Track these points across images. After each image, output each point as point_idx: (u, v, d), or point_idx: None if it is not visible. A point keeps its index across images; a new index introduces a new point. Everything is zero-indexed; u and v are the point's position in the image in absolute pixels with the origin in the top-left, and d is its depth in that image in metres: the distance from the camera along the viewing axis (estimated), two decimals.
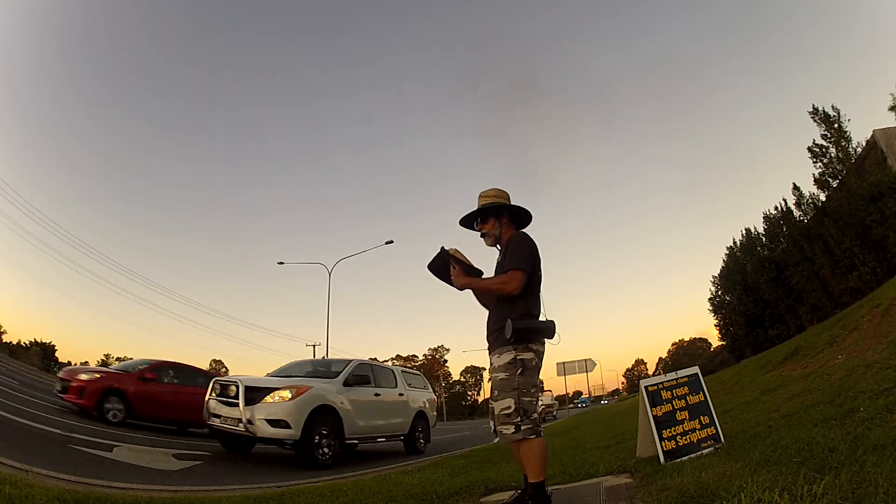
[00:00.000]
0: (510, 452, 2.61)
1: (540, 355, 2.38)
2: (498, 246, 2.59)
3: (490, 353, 2.46)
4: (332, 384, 6.50)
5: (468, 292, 2.63)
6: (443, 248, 2.51)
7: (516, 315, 2.34)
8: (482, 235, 2.58)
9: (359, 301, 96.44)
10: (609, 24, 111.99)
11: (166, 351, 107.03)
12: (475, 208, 2.58)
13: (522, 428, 2.23)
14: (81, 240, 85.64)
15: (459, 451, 7.93)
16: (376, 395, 7.23)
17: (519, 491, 2.54)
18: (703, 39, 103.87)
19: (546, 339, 2.42)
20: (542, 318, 2.46)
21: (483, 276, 2.53)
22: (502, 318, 2.36)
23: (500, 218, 2.57)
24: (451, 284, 2.58)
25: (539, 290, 2.48)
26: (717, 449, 3.34)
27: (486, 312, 2.59)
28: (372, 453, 8.11)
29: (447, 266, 2.50)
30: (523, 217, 2.63)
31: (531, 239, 2.48)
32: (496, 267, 2.53)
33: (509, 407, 2.25)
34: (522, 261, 2.38)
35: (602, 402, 65.88)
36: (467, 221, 2.63)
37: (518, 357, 2.31)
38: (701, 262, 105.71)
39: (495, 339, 2.41)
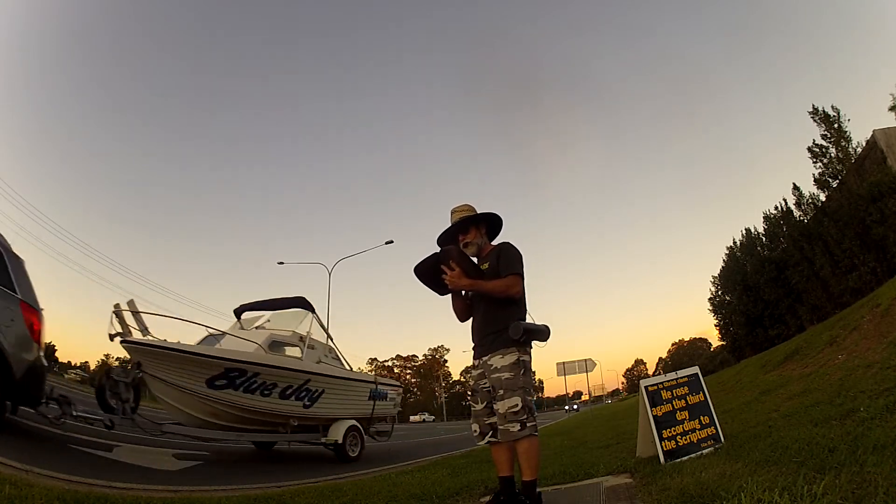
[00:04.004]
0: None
1: (531, 358, 2.48)
2: (476, 258, 2.67)
3: (485, 355, 2.47)
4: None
5: (446, 298, 2.66)
6: (453, 247, 2.51)
7: (516, 318, 2.42)
8: (464, 246, 2.65)
9: (359, 301, 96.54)
10: (610, 25, 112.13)
11: None
12: (449, 225, 2.69)
13: (528, 425, 2.29)
14: (81, 240, 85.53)
15: (459, 452, 7.93)
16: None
17: (493, 493, 2.56)
18: (703, 40, 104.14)
19: (539, 343, 2.50)
20: (528, 320, 2.53)
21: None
22: (502, 321, 2.42)
23: (480, 228, 2.70)
24: (437, 290, 2.59)
25: (525, 296, 2.57)
26: (717, 449, 3.34)
27: (482, 313, 2.59)
28: (372, 453, 8.10)
29: (438, 269, 2.48)
30: (497, 224, 2.77)
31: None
32: (486, 275, 2.56)
33: (517, 405, 2.30)
34: (520, 266, 2.49)
35: (567, 408, 44.06)
36: (448, 236, 2.71)
37: (521, 358, 2.39)
38: (701, 263, 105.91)
39: (493, 341, 2.45)
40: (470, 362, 2.64)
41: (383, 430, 8.92)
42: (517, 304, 2.49)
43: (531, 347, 2.48)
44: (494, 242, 2.74)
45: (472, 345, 2.60)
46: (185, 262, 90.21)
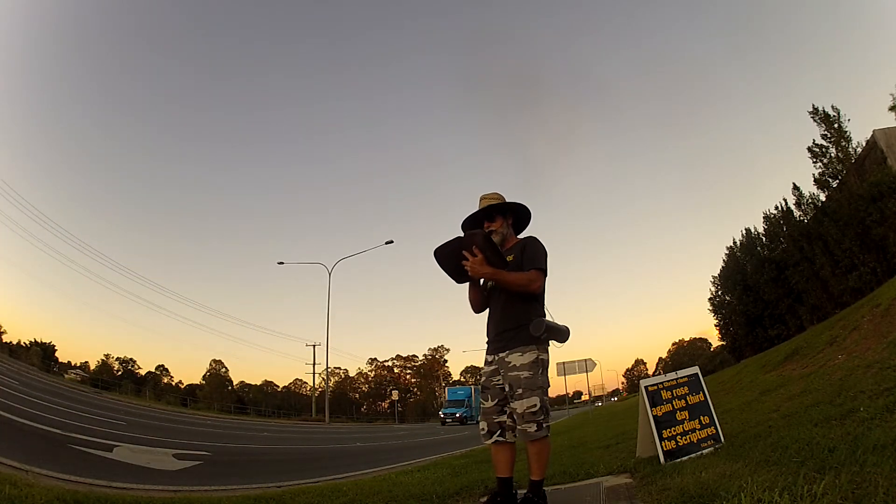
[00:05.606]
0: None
1: (549, 357, 2.42)
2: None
3: (502, 352, 2.37)
4: None
5: (462, 287, 2.55)
6: (480, 231, 2.40)
7: (535, 315, 2.35)
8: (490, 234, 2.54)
9: (359, 301, 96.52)
10: (610, 26, 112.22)
11: (166, 351, 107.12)
12: (477, 209, 2.58)
13: (544, 426, 2.25)
14: (81, 240, 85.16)
15: (459, 452, 7.94)
16: None
17: (491, 494, 2.45)
18: (703, 40, 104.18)
19: (557, 343, 2.44)
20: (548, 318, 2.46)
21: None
22: (522, 316, 2.35)
23: (507, 218, 2.60)
24: (455, 277, 2.47)
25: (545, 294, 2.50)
26: (717, 449, 3.34)
27: (487, 311, 2.55)
28: (373, 452, 8.11)
29: (459, 254, 2.33)
30: (525, 216, 2.67)
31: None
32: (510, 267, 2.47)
33: (535, 405, 2.24)
34: (544, 262, 2.41)
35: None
36: (472, 221, 2.61)
37: (540, 357, 2.33)
38: (701, 263, 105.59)
39: (512, 338, 2.36)
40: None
41: None
42: (537, 300, 2.40)
43: (549, 346, 2.41)
44: (520, 236, 2.63)
45: (487, 339, 2.50)
46: (185, 262, 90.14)
